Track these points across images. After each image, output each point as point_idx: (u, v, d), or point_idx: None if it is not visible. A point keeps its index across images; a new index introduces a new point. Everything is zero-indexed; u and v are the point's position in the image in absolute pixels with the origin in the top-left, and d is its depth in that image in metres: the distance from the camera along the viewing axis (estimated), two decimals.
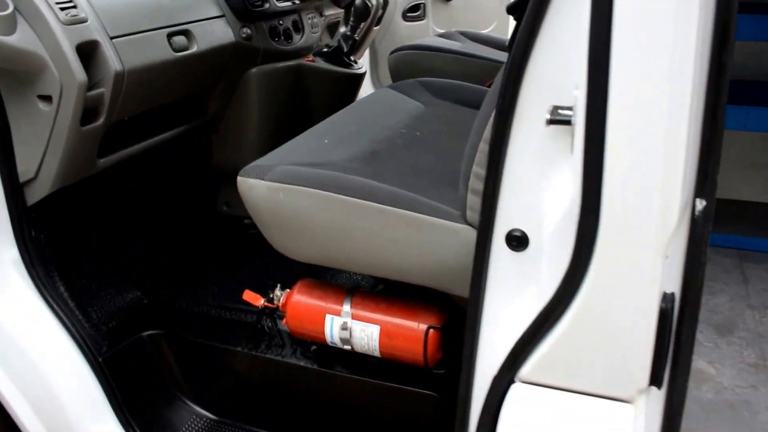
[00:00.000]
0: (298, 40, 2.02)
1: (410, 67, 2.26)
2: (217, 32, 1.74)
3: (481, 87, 1.98)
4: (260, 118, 1.98)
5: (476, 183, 1.13)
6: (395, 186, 1.28)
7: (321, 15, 2.19)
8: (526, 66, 0.95)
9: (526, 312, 1.04)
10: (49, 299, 1.46)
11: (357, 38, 2.12)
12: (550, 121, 0.93)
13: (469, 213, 1.17)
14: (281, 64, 1.97)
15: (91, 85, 1.39)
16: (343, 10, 2.38)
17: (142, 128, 1.68)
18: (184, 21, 1.64)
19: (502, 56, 2.38)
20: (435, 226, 1.19)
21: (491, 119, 1.09)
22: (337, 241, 1.27)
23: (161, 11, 1.60)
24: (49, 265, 1.51)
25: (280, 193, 1.26)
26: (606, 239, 0.90)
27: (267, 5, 1.88)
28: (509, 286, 1.07)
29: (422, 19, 3.16)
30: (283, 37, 1.96)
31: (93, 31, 1.39)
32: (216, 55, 1.74)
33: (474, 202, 1.15)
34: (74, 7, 1.37)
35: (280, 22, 1.96)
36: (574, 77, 0.93)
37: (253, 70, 1.91)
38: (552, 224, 0.99)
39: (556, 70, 0.95)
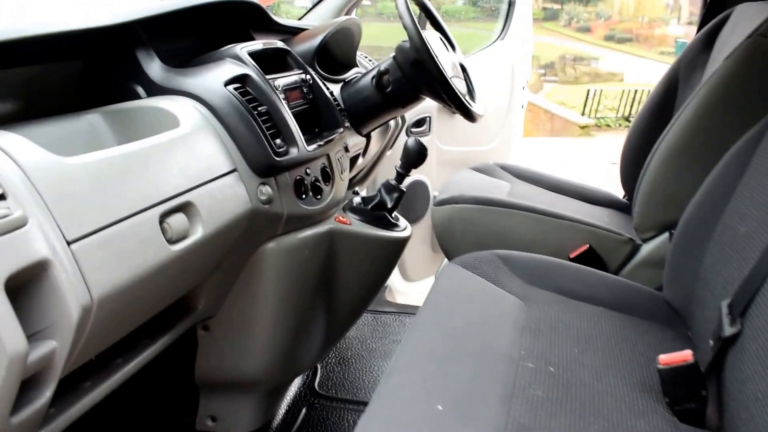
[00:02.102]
0: (329, 194, 1.42)
1: (466, 225, 1.70)
2: (228, 199, 1.12)
3: (571, 265, 1.45)
4: (273, 308, 1.35)
5: None
6: None
7: (346, 150, 1.60)
8: None
9: None
10: None
11: (404, 189, 1.55)
12: None
13: None
14: (309, 232, 1.36)
15: (31, 338, 0.74)
16: (364, 140, 1.80)
17: (104, 363, 1.01)
18: (183, 188, 1.01)
19: (572, 208, 1.87)
20: None
21: None
22: None
23: (149, 176, 0.97)
24: None
25: None
26: None
27: (294, 151, 1.27)
28: None
29: (427, 135, 2.64)
30: (311, 193, 1.36)
31: (38, 240, 0.74)
32: (225, 234, 1.11)
33: None
34: (2, 197, 0.73)
35: (308, 170, 1.35)
36: None
37: (271, 244, 1.29)
38: None
39: None
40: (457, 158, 2.80)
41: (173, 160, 1.02)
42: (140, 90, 1.21)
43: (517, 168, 2.18)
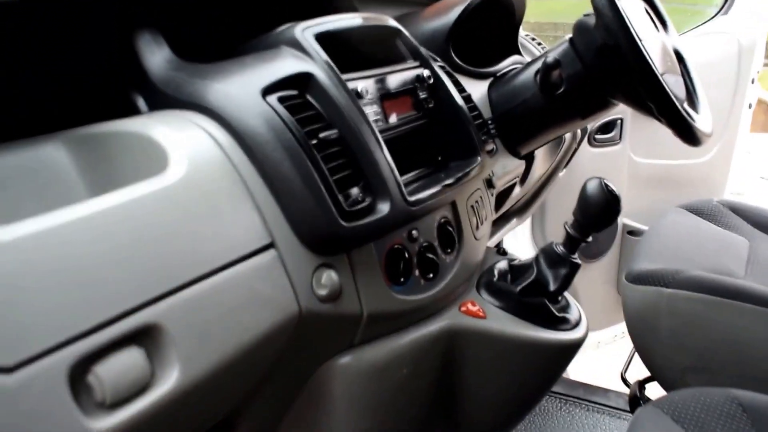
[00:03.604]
0: (450, 268, 0.88)
1: (680, 323, 1.09)
2: (249, 302, 0.63)
3: None
4: None
5: None
6: None
7: (489, 185, 1.05)
8: None
9: None
10: None
11: (578, 261, 0.96)
12: None
13: None
14: (410, 337, 0.84)
15: None
16: (523, 163, 1.24)
17: None
18: (138, 301, 0.54)
19: None
20: None
21: None
22: None
23: (60, 287, 0.50)
24: None
25: None
26: None
27: (384, 206, 0.75)
28: None
29: (617, 143, 2.00)
30: (418, 271, 0.83)
31: None
32: (241, 366, 0.62)
33: None
34: None
35: (413, 233, 0.83)
36: None
37: (344, 359, 0.78)
38: None
39: None
40: (656, 174, 2.12)
41: (128, 245, 0.55)
42: (141, 100, 0.76)
43: (757, 211, 1.47)
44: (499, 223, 1.43)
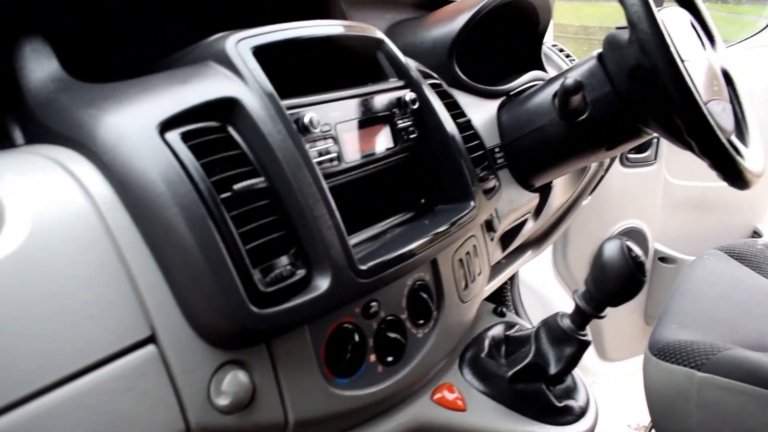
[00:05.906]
0: (424, 344, 0.66)
1: (717, 418, 0.83)
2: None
3: None
4: None
5: None
6: None
7: (489, 229, 0.81)
8: None
9: None
10: None
11: (587, 339, 0.71)
12: None
13: None
14: None
15: None
16: (536, 196, 1.00)
17: None
18: None
19: None
20: None
21: None
22: None
23: None
24: None
25: None
26: None
27: (323, 282, 0.52)
28: None
29: (651, 163, 1.73)
30: (374, 355, 0.60)
31: None
32: None
33: None
34: None
35: (371, 307, 0.60)
36: None
37: None
38: None
39: None
40: (692, 197, 1.84)
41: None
42: (17, 131, 0.55)
43: None
44: (510, 257, 1.19)
